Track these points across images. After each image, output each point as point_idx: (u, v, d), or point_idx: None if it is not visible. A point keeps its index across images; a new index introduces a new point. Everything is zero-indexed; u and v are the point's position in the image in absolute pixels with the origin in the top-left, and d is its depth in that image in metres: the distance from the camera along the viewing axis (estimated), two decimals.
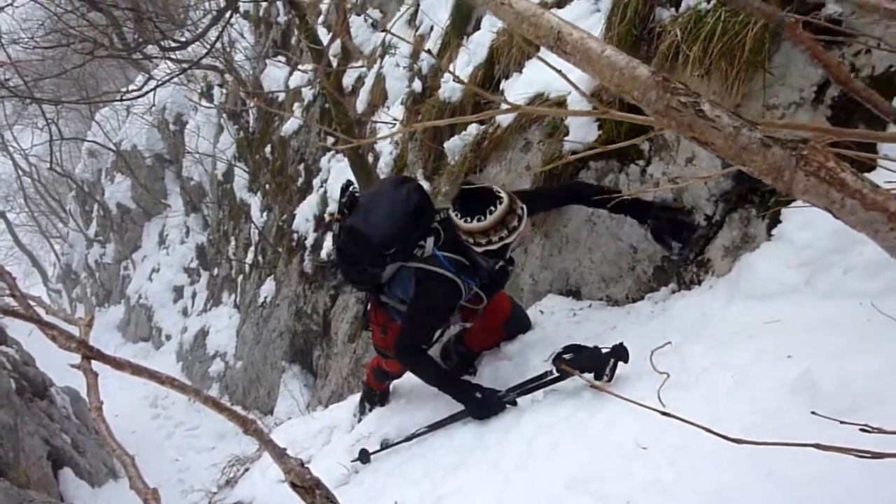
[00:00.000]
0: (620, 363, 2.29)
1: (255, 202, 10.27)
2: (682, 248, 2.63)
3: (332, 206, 6.73)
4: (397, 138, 5.45)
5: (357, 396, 3.85)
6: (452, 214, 2.59)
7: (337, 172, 6.78)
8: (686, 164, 2.60)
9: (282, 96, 8.52)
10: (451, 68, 4.37)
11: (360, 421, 3.59)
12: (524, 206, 2.59)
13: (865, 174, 1.82)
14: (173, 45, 6.44)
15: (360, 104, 6.30)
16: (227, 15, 6.17)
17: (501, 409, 2.64)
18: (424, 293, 2.71)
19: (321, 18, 7.71)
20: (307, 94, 7.90)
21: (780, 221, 2.23)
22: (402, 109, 5.47)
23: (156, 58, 9.34)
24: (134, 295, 15.76)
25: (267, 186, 9.62)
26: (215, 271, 12.93)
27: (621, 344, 2.30)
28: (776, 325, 1.99)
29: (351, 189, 2.81)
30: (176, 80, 9.38)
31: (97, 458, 7.58)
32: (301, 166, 8.21)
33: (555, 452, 2.15)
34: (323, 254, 7.05)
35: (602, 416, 2.14)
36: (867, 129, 1.99)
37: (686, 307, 2.50)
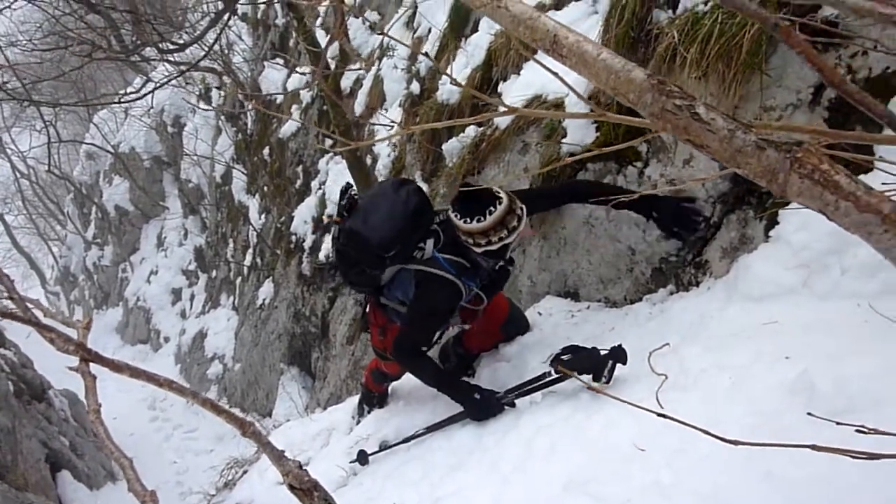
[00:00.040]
0: (619, 365, 2.30)
1: (253, 204, 10.27)
2: (694, 236, 2.59)
3: (331, 208, 6.74)
4: (395, 140, 5.46)
5: (356, 398, 3.85)
6: (452, 215, 2.60)
7: (335, 174, 6.78)
8: (684, 166, 2.61)
9: (280, 98, 8.52)
10: (448, 71, 4.37)
11: (358, 423, 3.59)
12: (524, 207, 2.59)
13: (862, 176, 1.82)
14: (171, 47, 6.44)
15: (359, 106, 6.31)
16: (225, 17, 6.17)
17: (500, 411, 2.64)
18: (425, 295, 2.71)
19: (319, 21, 7.72)
20: (305, 96, 7.90)
21: (777, 223, 2.24)
22: (401, 111, 5.48)
23: (154, 60, 9.33)
24: (132, 297, 15.73)
25: (265, 188, 9.62)
26: (213, 273, 12.92)
27: (619, 346, 2.30)
28: (774, 327, 2.00)
29: (350, 192, 2.81)
30: (174, 82, 9.36)
31: (95, 461, 7.56)
32: (299, 168, 8.21)
33: (553, 454, 2.15)
34: (321, 256, 7.05)
35: (600, 417, 2.14)
36: (864, 130, 1.99)
37: (684, 309, 2.51)
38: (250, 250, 10.34)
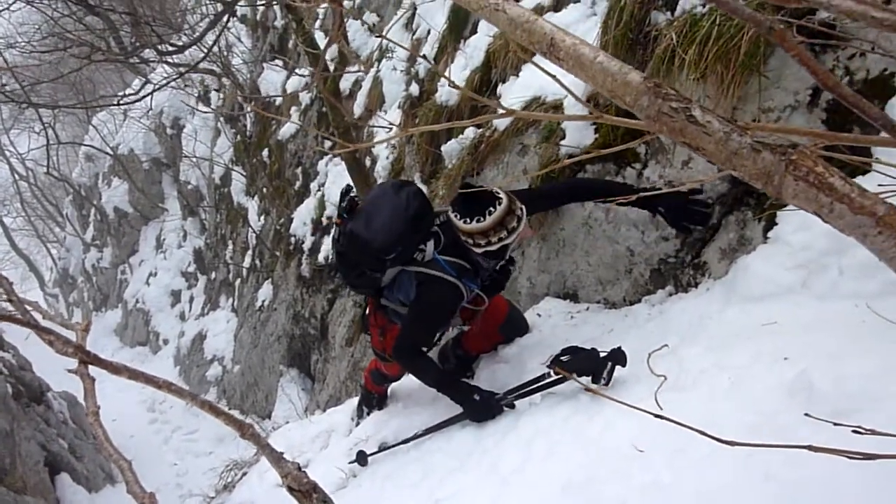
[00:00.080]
0: (618, 366, 2.30)
1: (252, 206, 10.27)
2: (703, 228, 2.57)
3: (330, 210, 6.74)
4: (395, 142, 5.47)
5: (355, 400, 3.85)
6: (452, 216, 2.60)
7: (334, 176, 6.79)
8: (682, 167, 2.61)
9: (279, 100, 8.53)
10: (447, 72, 4.38)
11: (357, 425, 3.59)
12: (523, 207, 2.60)
13: (859, 178, 1.82)
14: (170, 49, 6.45)
15: (358, 108, 6.31)
16: (225, 19, 6.18)
17: (499, 412, 2.64)
18: (426, 296, 2.71)
19: (318, 22, 7.72)
20: (304, 98, 7.92)
21: (776, 224, 2.24)
22: (400, 113, 5.48)
23: (153, 62, 9.34)
24: (131, 299, 15.73)
25: (264, 190, 9.62)
26: (213, 275, 12.92)
27: (619, 348, 2.30)
28: (773, 327, 2.00)
29: (350, 193, 2.81)
30: (173, 84, 9.38)
31: (94, 463, 7.56)
32: (298, 170, 8.21)
33: (552, 455, 2.15)
34: (321, 257, 7.05)
35: (600, 418, 2.14)
36: (862, 132, 2.00)
37: (683, 310, 2.51)
38: (249, 252, 10.34)
